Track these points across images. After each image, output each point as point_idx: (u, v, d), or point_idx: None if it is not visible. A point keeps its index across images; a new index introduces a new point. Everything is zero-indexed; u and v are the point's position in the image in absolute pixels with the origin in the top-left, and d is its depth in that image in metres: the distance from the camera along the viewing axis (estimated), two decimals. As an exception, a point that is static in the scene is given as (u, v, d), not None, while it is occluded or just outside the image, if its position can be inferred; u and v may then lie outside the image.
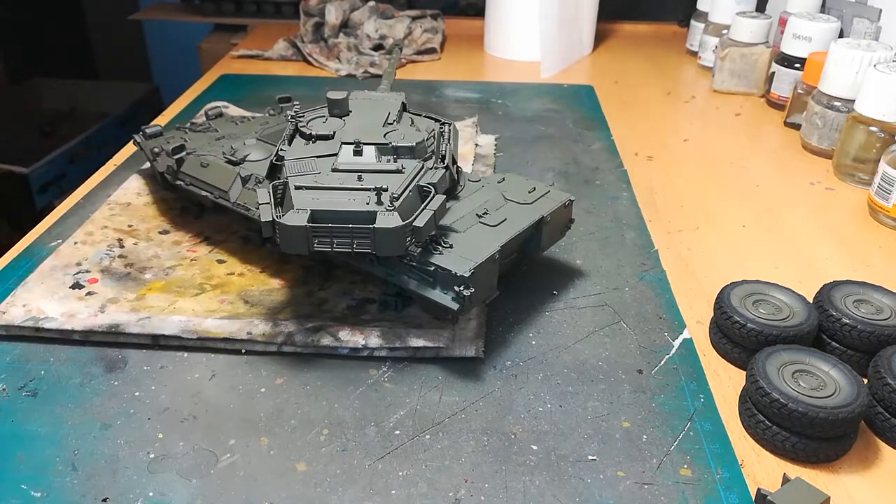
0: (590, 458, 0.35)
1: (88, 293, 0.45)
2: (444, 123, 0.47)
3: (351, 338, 0.42)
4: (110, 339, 0.42)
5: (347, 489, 0.34)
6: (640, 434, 0.37)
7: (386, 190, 0.38)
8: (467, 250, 0.40)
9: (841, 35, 0.79)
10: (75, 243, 0.51)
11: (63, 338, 0.42)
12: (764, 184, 0.65)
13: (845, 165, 0.65)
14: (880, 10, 0.77)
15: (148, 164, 0.61)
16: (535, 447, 0.36)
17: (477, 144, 0.69)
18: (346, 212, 0.37)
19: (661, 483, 0.34)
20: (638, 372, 0.41)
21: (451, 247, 0.40)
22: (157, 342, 0.42)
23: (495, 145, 0.71)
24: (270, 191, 0.39)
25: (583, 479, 0.34)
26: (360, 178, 0.39)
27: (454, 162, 0.46)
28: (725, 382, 0.41)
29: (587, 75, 0.96)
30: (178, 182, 0.52)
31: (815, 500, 0.31)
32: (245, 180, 0.48)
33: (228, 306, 0.45)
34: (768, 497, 0.31)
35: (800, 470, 0.35)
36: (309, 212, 0.37)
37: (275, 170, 0.42)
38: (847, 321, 0.40)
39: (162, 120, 0.77)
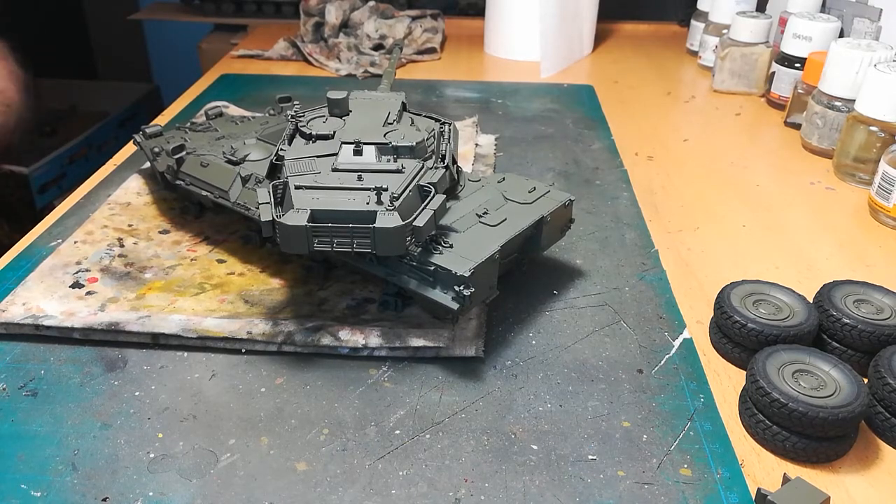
0: (590, 457, 0.35)
1: (88, 292, 0.45)
2: (444, 123, 0.47)
3: (351, 337, 0.42)
4: (110, 338, 0.42)
5: (347, 489, 0.34)
6: (640, 434, 0.37)
7: (386, 190, 0.38)
8: (467, 250, 0.40)
9: (841, 35, 0.79)
10: (75, 243, 0.51)
11: (63, 336, 0.42)
12: (764, 184, 0.65)
13: (845, 165, 0.65)
14: (881, 10, 0.77)
15: (148, 164, 0.61)
16: (535, 447, 0.36)
17: (477, 144, 0.69)
18: (346, 211, 0.37)
19: (662, 483, 0.34)
20: (638, 372, 0.41)
21: (451, 246, 0.40)
22: (157, 341, 0.42)
23: (495, 145, 0.71)
24: (270, 190, 0.39)
25: (583, 479, 0.34)
26: (360, 178, 0.39)
27: (454, 162, 0.46)
28: (725, 382, 0.41)
29: (587, 75, 0.96)
30: (178, 182, 0.52)
31: (815, 500, 0.31)
32: (245, 180, 0.48)
33: (228, 306, 0.45)
34: (768, 497, 0.31)
35: (800, 470, 0.35)
36: (309, 211, 0.37)
37: (275, 169, 0.42)
38: (847, 321, 0.40)
39: (162, 120, 0.77)
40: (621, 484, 0.34)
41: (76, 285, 0.46)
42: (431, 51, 1.01)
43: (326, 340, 0.42)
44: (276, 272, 0.48)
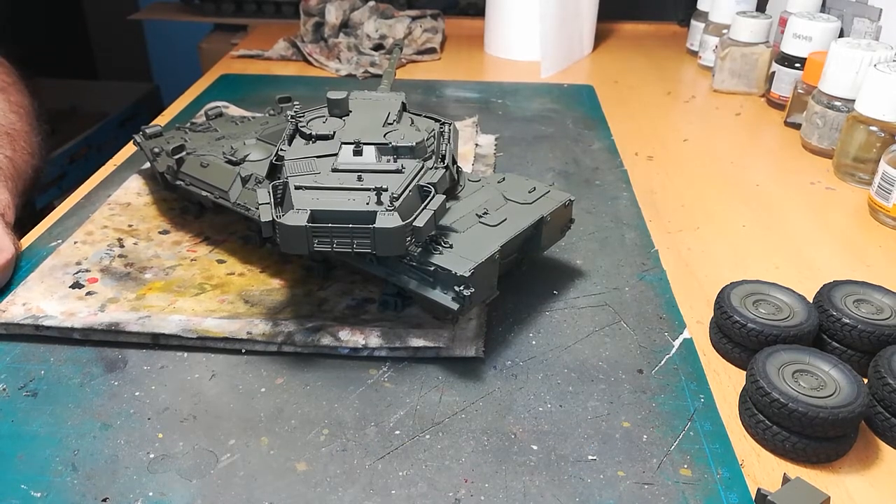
0: (590, 458, 0.35)
1: (88, 293, 0.45)
2: (444, 123, 0.47)
3: (351, 338, 0.42)
4: (110, 338, 0.42)
5: (347, 489, 0.34)
6: (641, 434, 0.37)
7: (386, 190, 0.38)
8: (467, 250, 0.40)
9: (841, 35, 0.79)
10: (75, 243, 0.51)
11: (63, 336, 0.42)
12: (764, 184, 0.65)
13: (845, 165, 0.65)
14: (880, 10, 0.77)
15: (148, 164, 0.61)
16: (535, 447, 0.36)
17: (477, 144, 0.69)
18: (346, 212, 0.37)
19: (662, 483, 0.34)
20: (638, 372, 0.41)
21: (451, 247, 0.40)
22: (157, 341, 0.42)
23: (495, 145, 0.71)
24: (270, 191, 0.39)
25: (583, 479, 0.34)
26: (360, 178, 0.39)
27: (454, 162, 0.46)
28: (725, 382, 0.41)
29: (587, 75, 0.96)
30: (178, 182, 0.52)
31: (815, 500, 0.31)
32: (245, 180, 0.48)
33: (228, 306, 0.45)
34: (768, 497, 0.31)
35: (800, 470, 0.35)
36: (309, 212, 0.37)
37: (275, 170, 0.42)
38: (847, 321, 0.40)
39: (162, 120, 0.77)
40: (621, 484, 0.34)
41: (76, 285, 0.46)
42: (431, 51, 1.01)
43: (326, 340, 0.42)
44: (276, 272, 0.48)
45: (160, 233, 0.53)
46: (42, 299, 0.44)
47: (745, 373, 0.40)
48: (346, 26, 1.05)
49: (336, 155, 0.41)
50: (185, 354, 0.42)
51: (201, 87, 0.88)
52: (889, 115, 0.60)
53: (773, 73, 0.82)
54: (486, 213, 0.44)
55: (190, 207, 0.55)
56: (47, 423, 0.37)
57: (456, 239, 0.41)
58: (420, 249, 0.40)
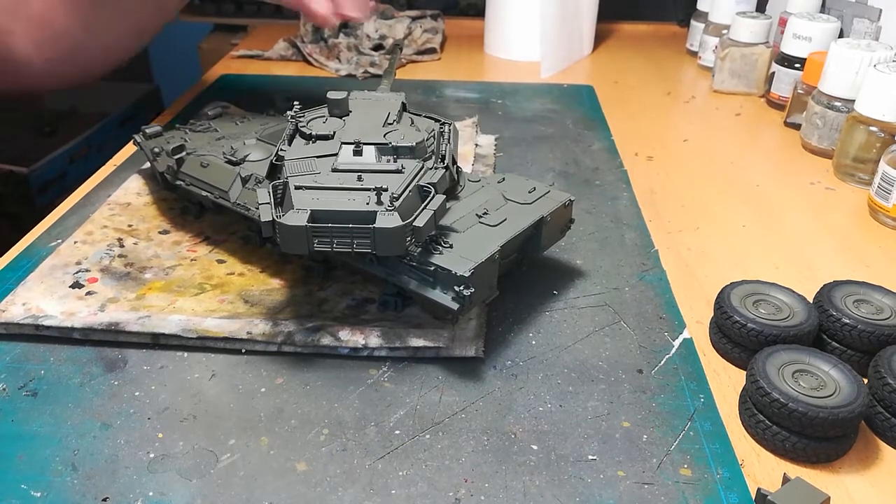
0: (590, 457, 0.35)
1: (88, 292, 0.45)
2: (444, 123, 0.47)
3: (351, 338, 0.42)
4: (110, 338, 0.42)
5: (347, 489, 0.34)
6: (640, 434, 0.37)
7: (386, 190, 0.38)
8: (467, 250, 0.40)
9: (841, 35, 0.79)
10: (75, 243, 0.51)
11: (63, 336, 0.42)
12: (764, 184, 0.65)
13: (845, 165, 0.65)
14: (880, 10, 0.77)
15: (148, 164, 0.61)
16: (535, 447, 0.36)
17: (477, 144, 0.69)
18: (346, 212, 0.37)
19: (662, 483, 0.34)
20: (638, 372, 0.41)
21: (451, 247, 0.40)
22: (157, 341, 0.42)
23: (495, 145, 0.71)
24: (270, 191, 0.39)
25: (583, 479, 0.34)
26: (360, 178, 0.39)
27: (454, 162, 0.46)
28: (725, 382, 0.41)
29: (587, 75, 0.96)
30: (178, 182, 0.52)
31: (815, 500, 0.31)
32: (245, 180, 0.48)
33: (228, 306, 0.45)
34: (768, 497, 0.31)
35: (800, 470, 0.35)
36: (309, 212, 0.37)
37: (275, 170, 0.42)
38: (847, 321, 0.40)
39: (162, 120, 0.77)
40: (621, 484, 0.34)
41: (76, 285, 0.46)
42: (431, 51, 1.01)
43: (326, 340, 0.42)
44: (276, 272, 0.48)
45: (160, 233, 0.53)
46: (42, 299, 0.44)
47: (745, 373, 0.40)
48: (345, 26, 1.04)
49: (336, 155, 0.41)
50: (185, 354, 0.42)
51: (201, 87, 0.88)
52: (889, 115, 0.60)
53: (773, 73, 0.82)
54: (486, 214, 0.44)
55: (190, 207, 0.55)
56: (47, 423, 0.37)
57: (456, 239, 0.41)
58: (420, 249, 0.40)
